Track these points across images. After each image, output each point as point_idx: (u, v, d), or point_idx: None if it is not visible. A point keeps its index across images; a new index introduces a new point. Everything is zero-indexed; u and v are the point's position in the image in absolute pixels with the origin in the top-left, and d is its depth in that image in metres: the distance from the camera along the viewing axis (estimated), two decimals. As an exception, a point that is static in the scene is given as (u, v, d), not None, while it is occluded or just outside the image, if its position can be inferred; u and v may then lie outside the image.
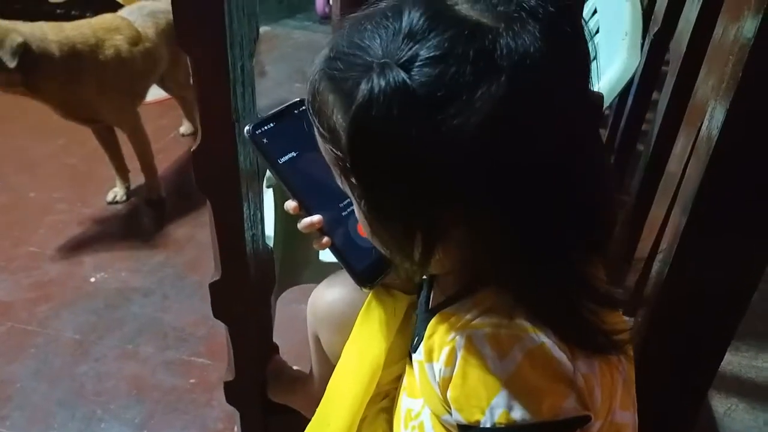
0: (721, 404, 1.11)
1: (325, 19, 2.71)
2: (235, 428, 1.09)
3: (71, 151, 1.88)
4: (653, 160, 1.11)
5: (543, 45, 0.40)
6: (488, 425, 0.45)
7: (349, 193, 0.49)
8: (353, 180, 0.46)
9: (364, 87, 0.41)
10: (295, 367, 0.95)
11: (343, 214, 0.61)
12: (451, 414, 0.49)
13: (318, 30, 2.70)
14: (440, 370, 0.49)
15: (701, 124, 0.68)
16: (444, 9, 0.42)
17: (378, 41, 0.42)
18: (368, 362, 0.64)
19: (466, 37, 0.40)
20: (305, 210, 0.60)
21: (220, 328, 0.84)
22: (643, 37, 1.12)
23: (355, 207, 0.50)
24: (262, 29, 2.66)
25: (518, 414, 0.44)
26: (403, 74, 0.40)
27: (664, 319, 0.74)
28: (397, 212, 0.44)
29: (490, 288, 0.48)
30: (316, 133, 0.49)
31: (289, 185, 0.60)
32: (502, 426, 0.44)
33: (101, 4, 2.39)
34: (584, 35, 0.44)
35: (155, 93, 2.15)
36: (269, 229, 0.82)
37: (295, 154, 0.61)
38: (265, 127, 0.60)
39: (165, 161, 1.84)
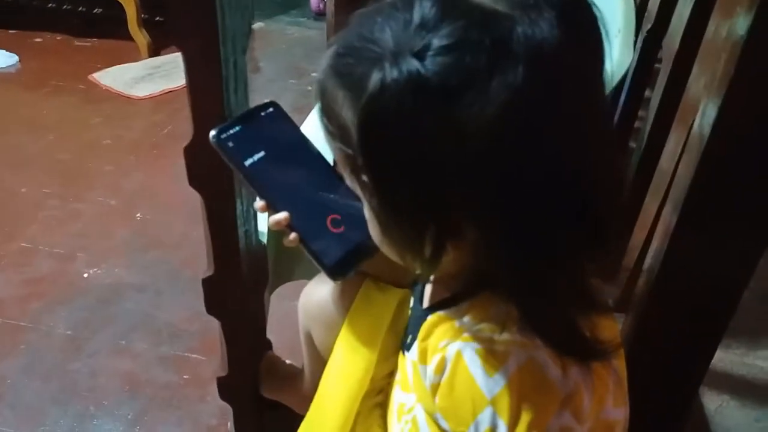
0: (712, 401, 1.12)
1: (320, 15, 2.70)
2: (229, 424, 1.09)
3: (63, 146, 1.87)
4: (645, 158, 1.12)
5: (560, 34, 0.39)
6: None
7: (360, 193, 0.48)
8: (364, 178, 0.45)
9: (375, 77, 0.40)
10: (288, 362, 0.95)
11: (312, 208, 0.62)
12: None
13: (312, 26, 2.69)
14: (430, 376, 0.49)
15: (693, 122, 0.68)
16: None
17: (389, 33, 0.41)
18: (360, 358, 0.64)
19: (481, 25, 0.39)
20: (272, 208, 0.61)
21: (214, 324, 0.84)
22: (637, 34, 1.12)
23: (365, 208, 0.50)
24: (256, 25, 2.64)
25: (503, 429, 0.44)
26: (416, 63, 0.39)
27: (655, 316, 0.74)
28: (408, 208, 0.43)
29: (488, 293, 0.48)
30: (325, 134, 0.48)
31: (255, 185, 0.61)
32: None
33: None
34: (599, 27, 0.43)
35: (150, 88, 2.15)
36: (263, 225, 0.82)
37: (262, 155, 0.62)
38: (231, 131, 0.61)
39: (159, 156, 1.83)
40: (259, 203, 0.62)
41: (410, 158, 0.41)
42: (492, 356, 0.45)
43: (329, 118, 0.46)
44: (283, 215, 0.60)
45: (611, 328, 0.51)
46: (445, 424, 0.48)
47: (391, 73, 0.39)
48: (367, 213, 0.49)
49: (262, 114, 0.64)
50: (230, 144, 0.61)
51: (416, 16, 0.40)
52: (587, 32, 0.42)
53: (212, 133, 0.60)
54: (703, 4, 0.89)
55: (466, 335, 0.47)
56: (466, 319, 0.48)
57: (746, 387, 1.15)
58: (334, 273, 0.61)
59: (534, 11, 0.40)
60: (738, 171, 0.64)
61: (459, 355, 0.46)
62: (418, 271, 0.52)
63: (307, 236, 0.61)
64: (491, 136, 0.39)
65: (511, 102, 0.38)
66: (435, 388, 0.48)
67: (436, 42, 0.39)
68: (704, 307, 0.73)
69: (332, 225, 0.63)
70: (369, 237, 0.64)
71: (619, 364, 0.52)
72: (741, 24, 0.58)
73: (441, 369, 0.48)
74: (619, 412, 0.51)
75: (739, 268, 0.70)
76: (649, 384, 0.75)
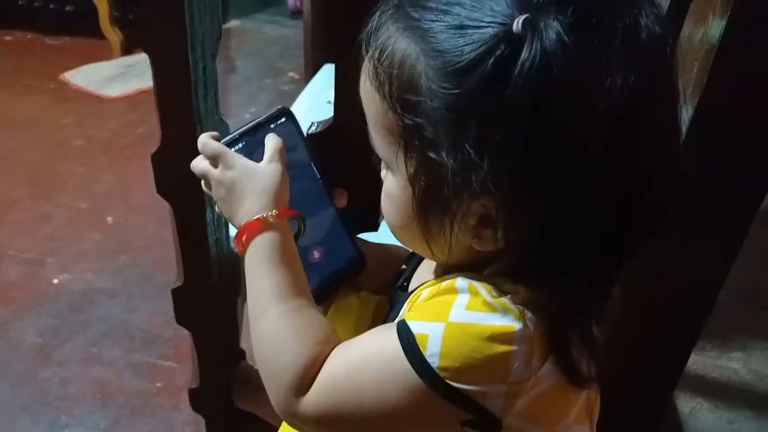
0: (686, 403, 1.13)
1: (297, 13, 2.68)
2: (203, 433, 1.07)
3: (33, 147, 1.83)
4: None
5: (668, 39, 0.38)
6: (412, 330, 0.41)
7: (402, 169, 0.42)
8: (431, 154, 0.39)
9: (530, 47, 0.35)
10: (263, 371, 0.93)
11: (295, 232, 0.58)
12: None
13: (289, 25, 2.67)
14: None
15: (668, 128, 0.68)
16: None
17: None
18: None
19: (612, 8, 0.36)
20: None
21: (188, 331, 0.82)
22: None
23: (394, 186, 0.44)
24: (232, 23, 2.61)
25: (433, 350, 0.40)
26: (563, 32, 0.35)
27: (631, 319, 0.74)
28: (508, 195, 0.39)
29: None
30: (370, 89, 0.42)
31: None
32: (417, 350, 0.41)
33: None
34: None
35: (123, 87, 2.11)
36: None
37: None
38: (235, 148, 0.54)
39: (132, 158, 1.80)
40: None
41: (518, 133, 0.37)
42: (483, 300, 0.41)
43: (391, 76, 0.40)
44: None
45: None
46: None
47: (543, 42, 0.35)
48: (398, 190, 0.44)
49: (272, 126, 0.57)
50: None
51: None
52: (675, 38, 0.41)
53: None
54: (678, 9, 0.90)
55: (465, 280, 0.43)
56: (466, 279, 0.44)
57: (719, 389, 1.16)
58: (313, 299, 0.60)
59: (650, 7, 0.38)
60: (712, 175, 0.65)
61: (452, 283, 0.42)
62: (440, 259, 0.47)
63: None
64: (620, 126, 0.37)
65: (622, 107, 0.36)
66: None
67: (572, 16, 0.36)
68: (679, 310, 0.73)
69: (314, 252, 0.60)
70: (344, 265, 0.61)
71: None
72: (714, 30, 0.59)
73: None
74: (583, 429, 0.49)
75: (714, 270, 0.70)
76: (625, 387, 0.75)
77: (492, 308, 0.41)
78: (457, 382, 0.40)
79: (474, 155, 0.38)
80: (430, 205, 0.42)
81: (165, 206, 0.69)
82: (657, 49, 0.38)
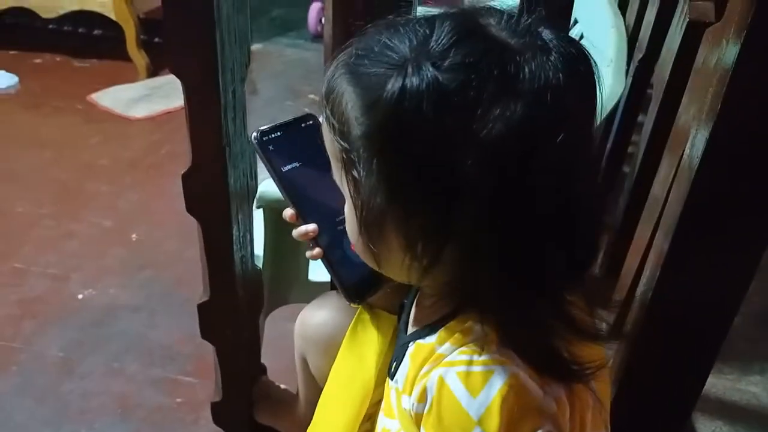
0: (705, 427, 1.11)
1: (318, 37, 2.73)
2: (222, 448, 1.08)
3: (59, 165, 1.88)
4: (638, 183, 1.13)
5: (563, 81, 0.42)
6: None
7: (346, 190, 0.49)
8: (354, 173, 0.46)
9: (396, 80, 0.42)
10: (282, 386, 0.94)
11: (339, 228, 0.62)
12: None
13: (310, 48, 2.71)
14: (413, 405, 0.49)
15: (683, 151, 0.69)
16: (476, 26, 0.45)
17: (407, 44, 0.44)
18: (358, 386, 0.64)
19: (495, 55, 0.42)
20: (302, 218, 0.62)
21: (208, 347, 0.84)
22: (628, 64, 1.14)
23: (347, 206, 0.50)
24: (254, 47, 2.66)
25: None
26: (435, 72, 0.41)
27: (647, 342, 0.74)
28: (401, 211, 0.45)
29: (466, 315, 0.48)
30: (324, 123, 0.50)
31: (288, 192, 0.62)
32: None
33: (94, 21, 2.42)
34: (596, 79, 0.46)
35: (149, 108, 2.16)
36: (258, 248, 0.82)
37: (298, 165, 0.63)
38: (272, 135, 0.62)
39: (157, 177, 1.84)
40: (288, 212, 0.62)
41: (417, 161, 0.43)
42: (474, 377, 0.45)
43: (332, 110, 0.48)
44: (312, 227, 0.61)
45: (593, 352, 0.51)
46: None
47: (412, 79, 0.42)
48: (348, 210, 0.50)
49: (302, 125, 0.65)
50: (271, 147, 0.62)
51: (436, 33, 0.43)
52: (586, 86, 0.45)
53: (254, 134, 0.62)
54: (693, 34, 0.91)
55: (446, 360, 0.47)
56: (446, 345, 0.48)
57: (739, 413, 1.15)
58: (351, 295, 0.62)
59: (544, 54, 0.42)
60: (727, 201, 0.65)
61: (442, 380, 0.46)
62: (389, 275, 0.52)
63: (331, 253, 0.61)
64: (487, 157, 0.41)
65: (507, 133, 0.41)
66: (420, 417, 0.49)
67: (450, 60, 0.42)
68: (696, 333, 0.74)
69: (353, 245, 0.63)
70: None
71: (600, 387, 0.53)
72: (728, 55, 0.60)
73: (423, 398, 0.48)
74: None
75: (730, 293, 0.71)
76: (643, 409, 0.75)
77: (485, 375, 0.45)
78: None
79: (375, 178, 0.44)
80: (366, 222, 0.48)
81: (187, 224, 0.71)
82: (538, 92, 0.42)
